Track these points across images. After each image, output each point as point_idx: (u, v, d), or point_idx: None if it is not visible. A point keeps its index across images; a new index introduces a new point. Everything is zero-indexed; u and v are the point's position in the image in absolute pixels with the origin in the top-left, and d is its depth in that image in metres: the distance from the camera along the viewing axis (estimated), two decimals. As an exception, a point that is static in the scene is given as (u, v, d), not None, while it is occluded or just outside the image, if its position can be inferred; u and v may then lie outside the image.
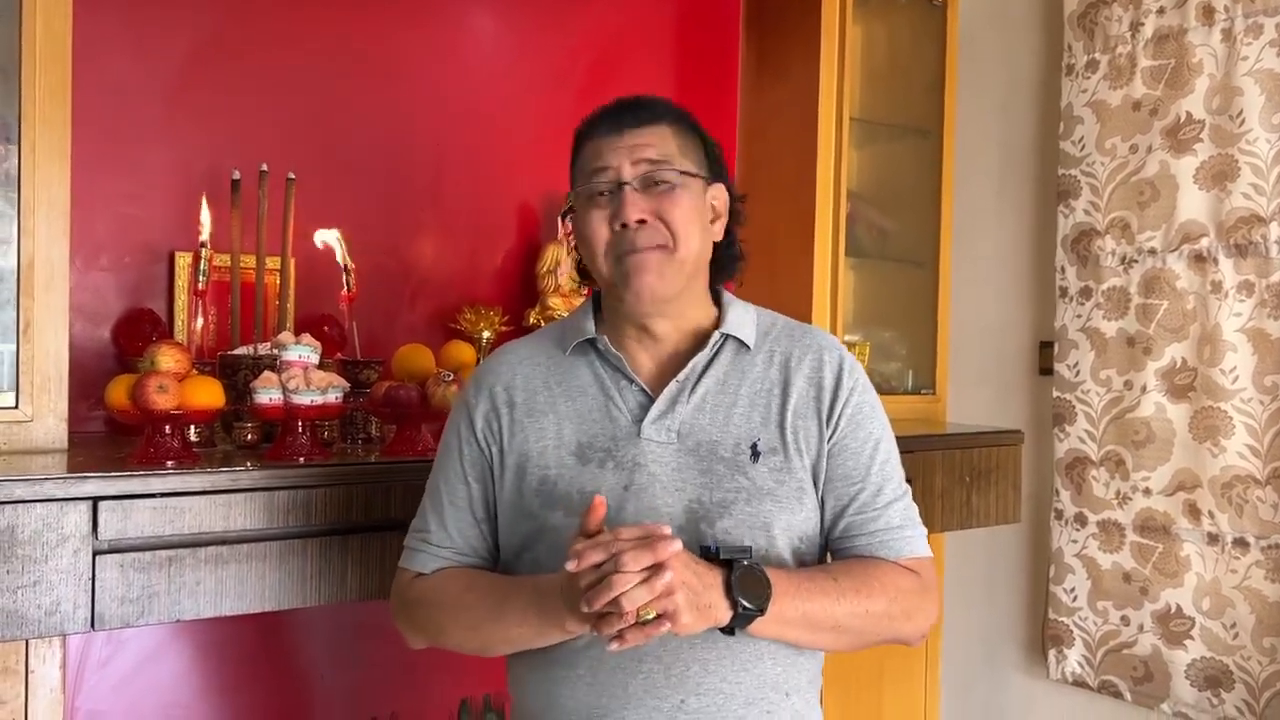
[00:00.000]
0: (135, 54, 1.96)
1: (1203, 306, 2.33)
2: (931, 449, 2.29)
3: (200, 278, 1.72)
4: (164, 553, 1.47)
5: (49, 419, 1.63)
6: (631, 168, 1.22)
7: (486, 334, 2.17)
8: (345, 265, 1.85)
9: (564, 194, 2.37)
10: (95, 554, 1.42)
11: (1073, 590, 2.58)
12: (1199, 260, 2.34)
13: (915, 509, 1.30)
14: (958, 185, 2.77)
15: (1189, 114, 2.35)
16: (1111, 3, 2.50)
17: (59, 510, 1.39)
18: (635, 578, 1.02)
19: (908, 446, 2.22)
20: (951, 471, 2.31)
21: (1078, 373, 2.57)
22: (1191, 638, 2.35)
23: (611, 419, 1.25)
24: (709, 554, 1.12)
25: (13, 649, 1.62)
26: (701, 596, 1.07)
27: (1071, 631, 2.58)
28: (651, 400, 1.25)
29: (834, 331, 2.53)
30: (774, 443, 1.24)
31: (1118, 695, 2.50)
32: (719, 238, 1.31)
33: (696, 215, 1.25)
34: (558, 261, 2.31)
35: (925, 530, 1.29)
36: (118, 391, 1.53)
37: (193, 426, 1.67)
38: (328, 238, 1.81)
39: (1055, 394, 2.61)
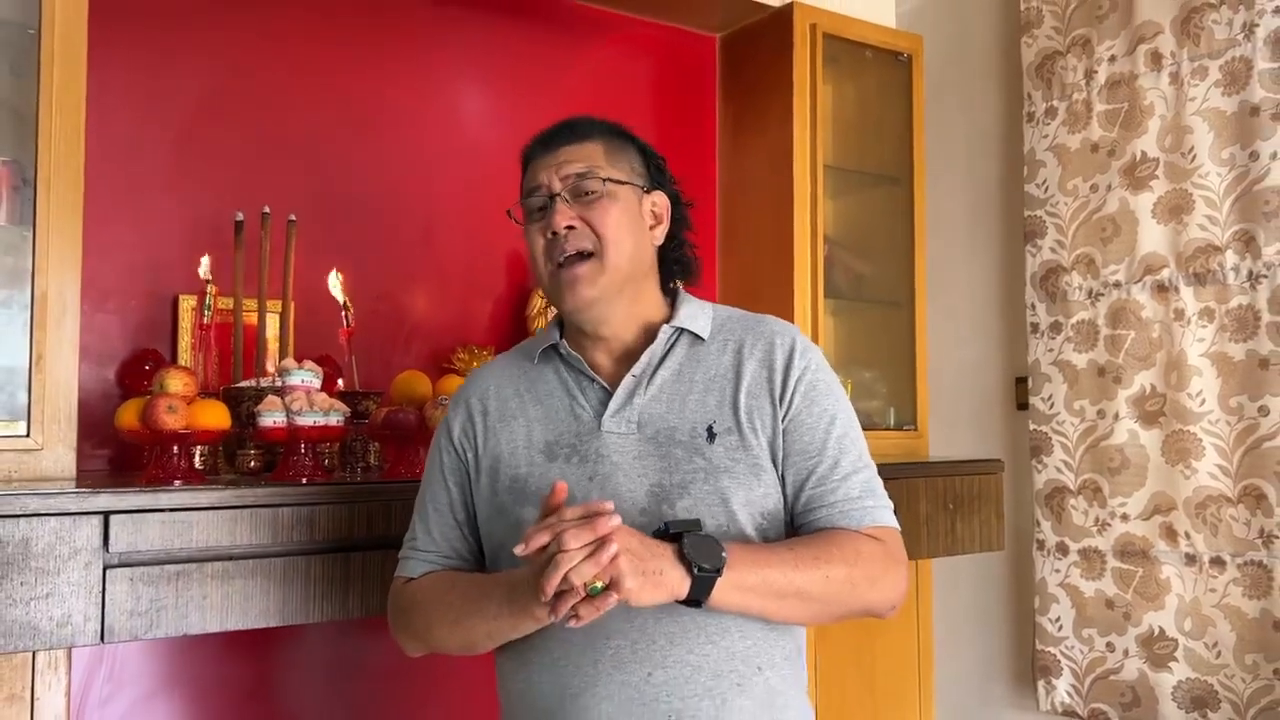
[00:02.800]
0: (143, 108, 2.06)
1: (1167, 334, 2.43)
2: (914, 477, 2.36)
3: (205, 312, 1.79)
4: (172, 567, 1.51)
5: (59, 448, 1.68)
6: (560, 181, 1.30)
7: (479, 373, 2.24)
8: (344, 302, 1.93)
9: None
10: (106, 567, 1.47)
11: (1058, 620, 2.62)
12: (1161, 290, 2.44)
13: (880, 484, 1.32)
14: (929, 228, 2.89)
15: (1144, 153, 2.47)
16: (1066, 53, 2.65)
17: (72, 524, 1.45)
18: (579, 554, 1.06)
19: (890, 474, 2.29)
20: (934, 499, 2.38)
21: (1052, 405, 2.65)
22: (1176, 659, 2.39)
23: (576, 417, 1.32)
24: (662, 533, 1.15)
25: (20, 675, 1.65)
26: (648, 563, 1.09)
27: (1059, 661, 2.61)
28: (610, 395, 1.31)
29: (815, 370, 2.61)
30: (729, 423, 1.28)
31: (1108, 722, 2.53)
32: (659, 242, 1.37)
33: (627, 221, 1.31)
34: (547, 305, 2.40)
35: (891, 505, 1.31)
36: (128, 414, 1.60)
37: (198, 453, 1.73)
38: (332, 279, 1.89)
39: (1032, 426, 2.69)
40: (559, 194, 1.30)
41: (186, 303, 2.03)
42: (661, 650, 1.20)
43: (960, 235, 2.96)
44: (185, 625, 1.52)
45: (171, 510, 1.50)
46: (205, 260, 1.82)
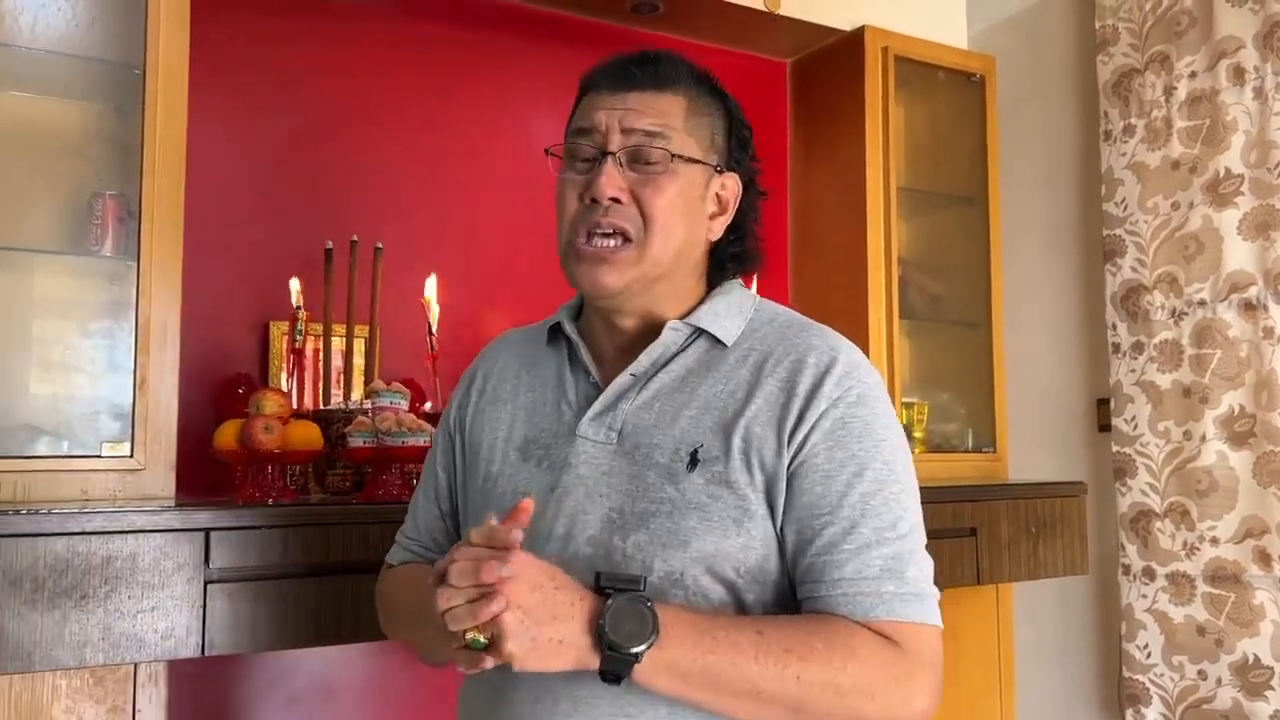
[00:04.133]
0: (232, 143, 2.14)
1: (1256, 353, 2.37)
2: (995, 499, 2.33)
3: (297, 337, 1.86)
4: (268, 583, 1.56)
5: (160, 468, 1.75)
6: (621, 136, 1.06)
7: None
8: (430, 326, 1.98)
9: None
10: (206, 582, 1.52)
11: (1146, 646, 2.56)
12: (1249, 308, 2.39)
13: (918, 564, 1.02)
14: (1005, 249, 2.86)
15: (1228, 169, 2.43)
16: (1144, 70, 2.62)
17: (175, 540, 1.50)
18: (459, 594, 0.89)
19: (970, 496, 2.29)
20: (1016, 522, 2.35)
21: (1135, 426, 2.60)
22: (1272, 688, 2.31)
23: (559, 413, 1.12)
24: (598, 582, 0.94)
25: (122, 689, 1.71)
26: (544, 628, 0.89)
27: (1148, 689, 2.55)
28: (600, 394, 1.10)
29: (892, 393, 2.60)
30: (716, 451, 1.03)
31: (1201, 753, 2.45)
32: (716, 236, 1.13)
33: (683, 205, 1.07)
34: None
35: (930, 594, 1.02)
36: (226, 435, 1.66)
37: (288, 473, 1.78)
38: (429, 291, 1.94)
39: (1115, 448, 2.64)
40: (614, 153, 1.06)
41: (276, 328, 2.10)
42: (564, 715, 0.99)
43: (1037, 255, 2.93)
44: (281, 639, 1.57)
45: (268, 527, 1.55)
46: (295, 286, 1.88)
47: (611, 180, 1.05)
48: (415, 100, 2.35)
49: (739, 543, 1.01)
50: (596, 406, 1.09)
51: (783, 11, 2.57)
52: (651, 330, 1.11)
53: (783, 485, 1.01)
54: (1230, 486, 2.41)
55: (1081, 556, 2.48)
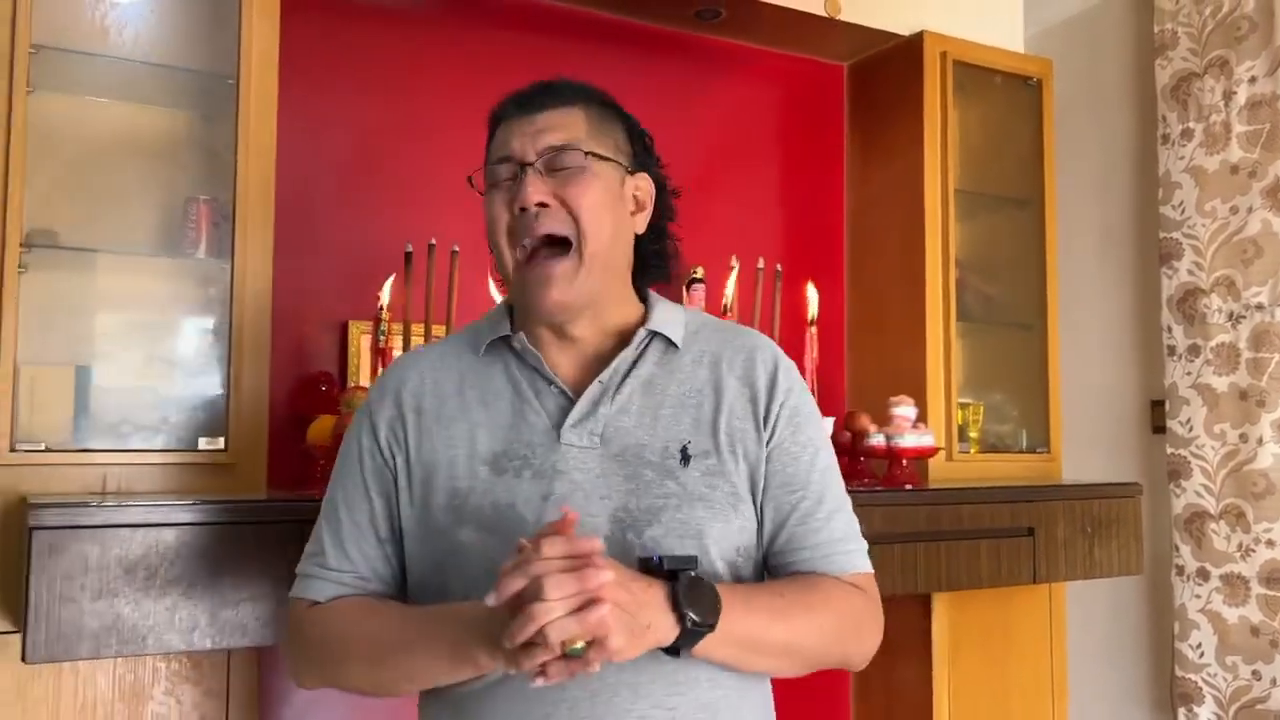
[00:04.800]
0: (311, 148, 2.20)
1: (1315, 357, 2.39)
2: (1052, 500, 2.36)
3: (381, 336, 1.93)
4: (360, 574, 1.63)
5: (252, 461, 1.84)
6: (536, 152, 1.13)
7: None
8: (503, 326, 2.04)
9: (685, 267, 2.56)
10: (303, 571, 1.59)
11: (1199, 646, 2.58)
12: (1308, 313, 2.41)
13: (856, 521, 1.20)
14: (1060, 251, 2.89)
15: (1287, 174, 2.45)
16: (1203, 75, 2.64)
17: (275, 531, 1.58)
18: (560, 606, 0.91)
19: (1028, 497, 2.33)
20: (1072, 522, 2.38)
21: (1191, 428, 2.62)
22: (1327, 689, 2.34)
23: (529, 424, 1.14)
24: (649, 565, 1.02)
25: (218, 672, 1.80)
26: (639, 617, 0.95)
27: (1200, 689, 2.57)
28: (572, 403, 1.14)
29: (947, 394, 2.64)
30: (706, 446, 1.14)
31: (1254, 752, 2.48)
32: (640, 229, 1.20)
33: (609, 202, 1.14)
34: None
35: (866, 545, 1.20)
36: (321, 430, 1.73)
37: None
38: (497, 296, 2.01)
39: (1169, 450, 2.66)
40: (532, 165, 1.12)
41: (355, 327, 2.17)
42: (625, 703, 1.05)
43: (1092, 258, 2.96)
44: (371, 628, 1.64)
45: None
46: (388, 287, 1.95)
47: (536, 187, 1.12)
48: (485, 103, 2.42)
49: (737, 525, 1.13)
50: (576, 414, 1.13)
51: (842, 16, 2.61)
52: (600, 335, 1.18)
53: (763, 469, 1.16)
54: (1287, 489, 2.43)
55: (1136, 557, 2.51)
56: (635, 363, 1.17)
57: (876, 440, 2.28)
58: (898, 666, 2.59)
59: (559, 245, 1.12)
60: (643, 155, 1.22)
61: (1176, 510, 2.64)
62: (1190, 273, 2.64)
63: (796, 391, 1.19)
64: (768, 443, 1.16)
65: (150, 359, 1.85)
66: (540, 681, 0.94)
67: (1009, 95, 2.88)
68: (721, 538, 1.11)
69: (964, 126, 2.78)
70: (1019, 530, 2.29)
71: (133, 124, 1.91)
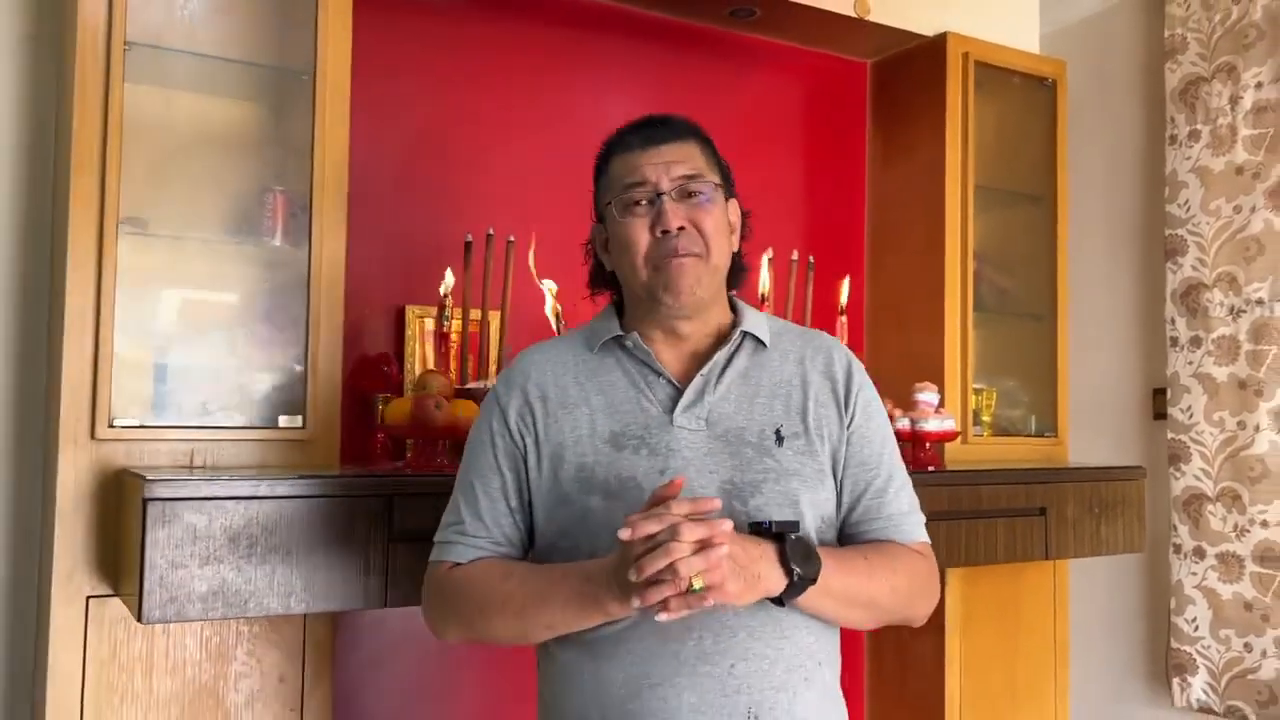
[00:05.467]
0: (373, 140, 2.31)
1: (1311, 351, 2.54)
2: (1063, 482, 2.51)
3: (445, 322, 2.04)
4: (439, 544, 1.75)
5: (328, 438, 1.95)
6: (669, 180, 1.31)
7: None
8: (557, 313, 2.15)
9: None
10: (389, 542, 1.71)
11: (1194, 620, 2.74)
12: (1305, 308, 2.56)
13: (916, 499, 1.40)
14: (1071, 246, 3.02)
15: (1289, 177, 2.59)
16: (1211, 79, 2.77)
17: (364, 505, 1.69)
18: (689, 548, 1.09)
19: (1041, 479, 2.47)
20: (1081, 503, 2.53)
21: (1191, 415, 2.77)
22: (1315, 661, 2.51)
23: (643, 409, 1.32)
24: (760, 529, 1.21)
25: (294, 636, 1.91)
26: (749, 568, 1.15)
27: (1195, 660, 2.74)
28: (680, 392, 1.32)
29: (964, 380, 2.78)
30: (796, 428, 1.32)
31: (1244, 719, 2.64)
32: (735, 248, 1.40)
33: (724, 226, 1.35)
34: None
35: (924, 518, 1.40)
36: (397, 410, 1.84)
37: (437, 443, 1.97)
38: (547, 287, 2.12)
39: (1170, 435, 2.81)
40: (666, 192, 1.31)
41: (412, 311, 2.28)
42: (742, 644, 1.23)
43: (1100, 252, 3.10)
44: (448, 595, 1.76)
45: (443, 495, 1.74)
46: (449, 276, 2.05)
47: (675, 214, 1.31)
48: (535, 99, 2.52)
49: (823, 496, 1.33)
50: (685, 400, 1.32)
51: (870, 17, 2.72)
52: (702, 334, 1.37)
53: (843, 450, 1.35)
54: (1281, 474, 2.59)
55: (1139, 535, 2.66)
56: (731, 358, 1.36)
57: (902, 424, 2.40)
58: (912, 636, 2.74)
59: (692, 255, 1.31)
60: (730, 186, 1.40)
61: (1176, 492, 2.79)
62: (1194, 268, 2.78)
63: (867, 385, 1.40)
64: (847, 427, 1.35)
65: (231, 341, 1.95)
66: (664, 616, 1.11)
67: (1025, 94, 3.01)
68: (811, 507, 1.30)
69: (980, 123, 2.90)
70: (1032, 510, 2.44)
71: (213, 117, 2.00)
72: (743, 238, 1.43)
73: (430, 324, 2.26)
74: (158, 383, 1.88)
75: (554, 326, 2.20)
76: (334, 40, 1.97)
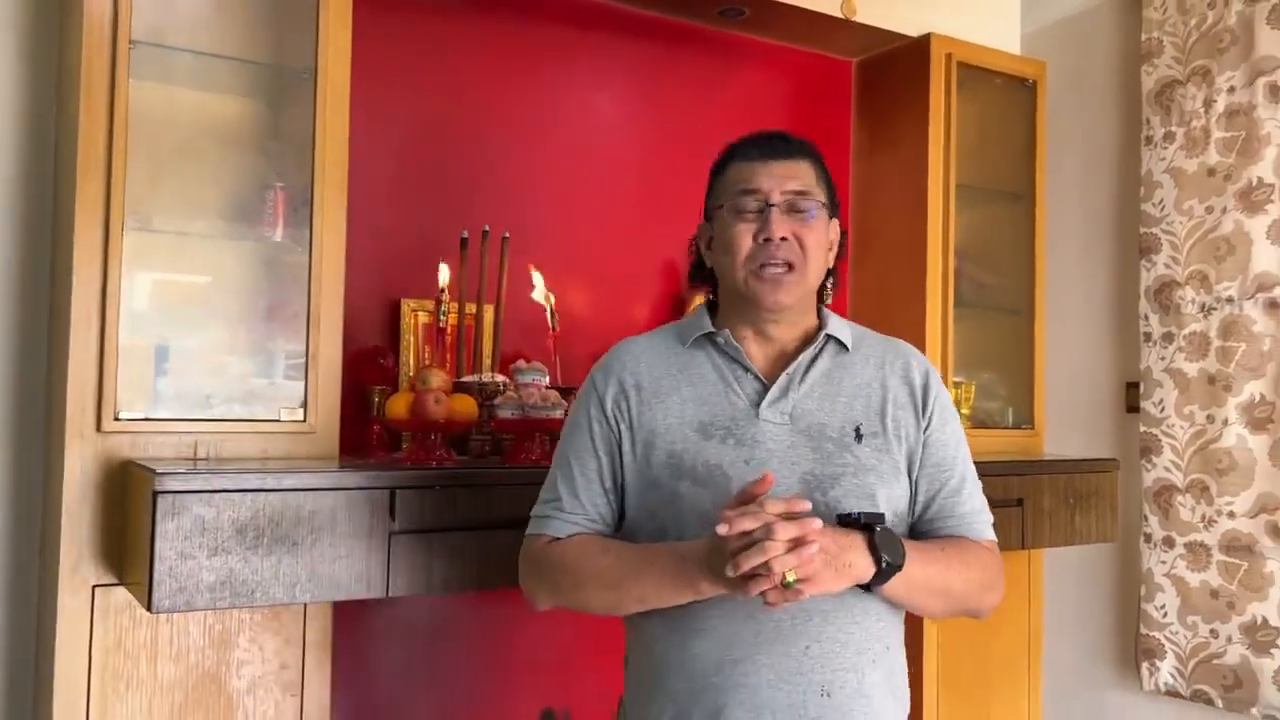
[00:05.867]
0: (367, 137, 2.33)
1: (1278, 347, 2.62)
2: (1039, 473, 2.59)
3: (441, 317, 2.08)
4: (438, 535, 1.81)
5: (327, 431, 1.99)
6: (780, 193, 1.40)
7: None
8: (550, 308, 2.20)
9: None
10: (390, 534, 1.76)
11: (1163, 607, 2.83)
12: (1273, 306, 2.64)
13: (985, 500, 1.49)
14: (1049, 243, 3.10)
15: (1260, 179, 2.67)
16: (1186, 82, 2.84)
17: (367, 497, 1.74)
18: (783, 546, 1.18)
19: (1018, 470, 2.55)
20: (1056, 493, 2.61)
21: (1163, 409, 2.86)
22: (1277, 646, 2.60)
23: (730, 402, 1.41)
24: (848, 520, 1.29)
25: (295, 622, 1.96)
26: (839, 558, 1.23)
27: (1163, 645, 2.83)
28: (766, 387, 1.41)
29: (943, 373, 2.85)
30: (875, 428, 1.41)
31: (1209, 703, 2.74)
32: (830, 265, 1.50)
33: (823, 242, 1.44)
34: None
35: (993, 518, 1.49)
36: (397, 405, 1.88)
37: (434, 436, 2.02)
38: (538, 282, 2.16)
39: (1142, 428, 2.90)
40: (776, 205, 1.40)
41: (407, 305, 2.32)
42: (817, 626, 1.33)
43: (1077, 249, 3.18)
44: (448, 585, 1.81)
45: (443, 487, 1.79)
46: (444, 271, 2.09)
47: (781, 225, 1.40)
48: (530, 96, 2.56)
49: (897, 492, 1.41)
50: (771, 395, 1.41)
51: (856, 18, 2.77)
52: (789, 336, 1.47)
53: (919, 451, 1.43)
54: (1248, 466, 2.68)
55: (1112, 525, 2.75)
56: (815, 358, 1.45)
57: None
58: (891, 623, 2.81)
59: (789, 267, 1.41)
60: (836, 205, 1.49)
61: (1147, 483, 2.88)
62: (1167, 266, 2.87)
63: (943, 393, 1.49)
64: (924, 430, 1.44)
65: (233, 334, 1.99)
66: (768, 608, 1.23)
67: (1006, 94, 3.07)
68: (888, 500, 1.39)
69: (963, 123, 2.97)
70: (1010, 501, 2.52)
71: (215, 114, 2.03)
72: (839, 256, 1.52)
73: (425, 317, 2.30)
74: (161, 376, 1.91)
75: (547, 314, 2.25)
76: (334, 39, 2.00)
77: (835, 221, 1.49)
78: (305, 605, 1.95)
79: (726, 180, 1.46)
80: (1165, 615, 2.83)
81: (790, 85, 3.02)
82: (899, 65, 2.96)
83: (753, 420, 1.40)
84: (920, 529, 1.45)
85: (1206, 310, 2.78)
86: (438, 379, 1.87)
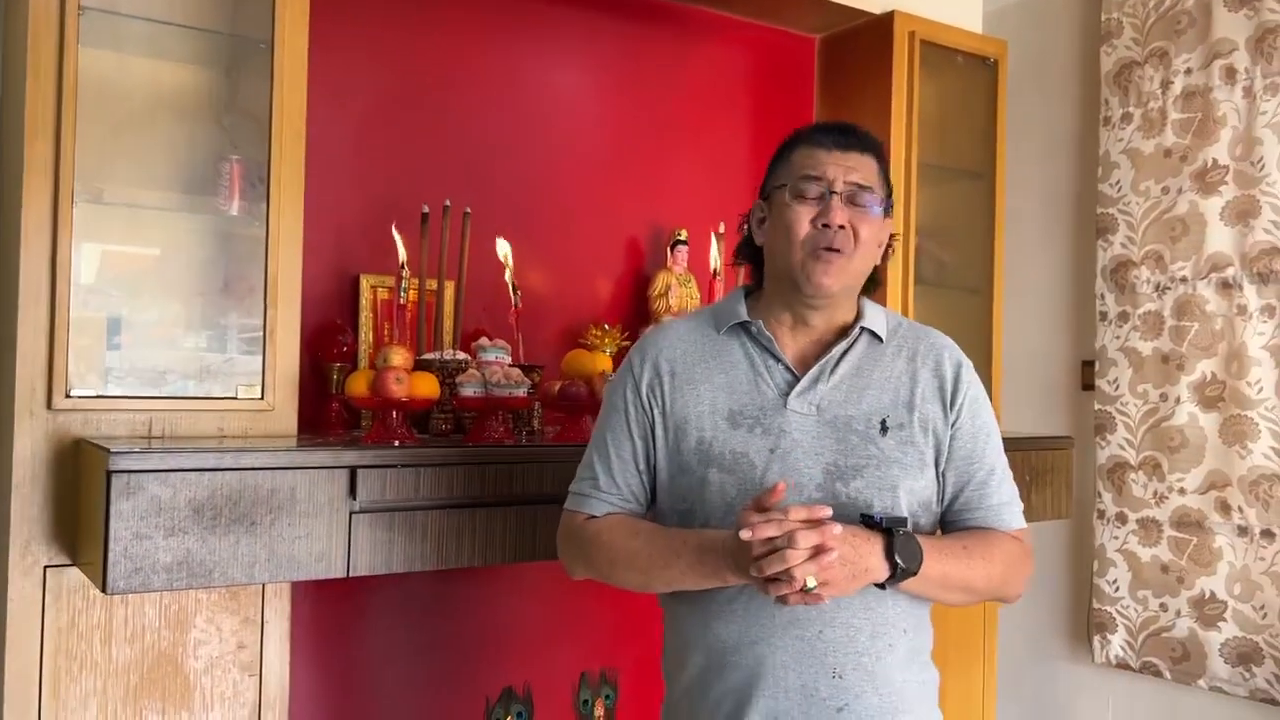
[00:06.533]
0: (325, 109, 2.29)
1: (1229, 327, 2.67)
2: (996, 450, 2.61)
3: (402, 294, 2.05)
4: (400, 514, 1.79)
5: (285, 409, 1.96)
6: (844, 183, 1.42)
7: (610, 349, 2.48)
8: (513, 285, 2.18)
9: (667, 230, 2.72)
10: (351, 513, 1.74)
11: (1114, 582, 2.89)
12: (1226, 287, 2.69)
13: (1016, 489, 1.51)
14: (1007, 222, 3.13)
15: (1215, 160, 2.70)
16: (1144, 64, 2.87)
17: (327, 476, 1.72)
18: (804, 554, 1.22)
19: (977, 447, 2.56)
20: (1015, 471, 2.62)
21: (1117, 387, 2.90)
22: (1225, 620, 2.66)
23: (760, 391, 1.44)
24: (871, 522, 1.32)
25: (253, 602, 1.94)
26: (857, 564, 1.27)
27: (1115, 619, 2.89)
28: (796, 378, 1.44)
29: (902, 350, 2.86)
30: (901, 420, 1.42)
31: (1158, 674, 2.80)
32: (878, 261, 1.51)
33: (876, 237, 1.46)
34: (668, 286, 2.65)
35: (1023, 506, 1.52)
36: (357, 383, 1.86)
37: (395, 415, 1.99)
38: (504, 250, 2.14)
39: (1097, 406, 2.95)
40: (838, 193, 1.41)
41: (366, 281, 2.28)
42: (830, 612, 1.37)
43: (1035, 229, 3.21)
44: (409, 563, 1.80)
45: (403, 466, 1.77)
46: (401, 248, 2.06)
47: (841, 213, 1.41)
48: (490, 70, 2.52)
49: (923, 483, 1.43)
50: (800, 387, 1.43)
51: (819, -7, 2.77)
52: (826, 326, 1.49)
53: (946, 444, 1.45)
54: (1199, 444, 2.73)
55: (1067, 502, 2.79)
56: (848, 350, 1.46)
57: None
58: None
59: (840, 252, 1.43)
60: (891, 205, 1.51)
61: (1100, 461, 2.93)
62: (1123, 246, 2.90)
63: (975, 385, 1.49)
64: (952, 424, 1.45)
65: (189, 311, 1.95)
66: (780, 604, 1.27)
67: (967, 73, 3.08)
68: (910, 492, 1.41)
69: (924, 101, 2.97)
70: (968, 478, 2.53)
71: (168, 83, 1.97)
72: (885, 256, 1.53)
73: (385, 294, 2.27)
74: (114, 352, 1.87)
75: (513, 299, 2.23)
76: (291, 8, 1.95)
77: (889, 221, 1.51)
78: (263, 586, 1.93)
79: (792, 163, 1.47)
80: (1117, 590, 2.89)
81: (753, 61, 3.00)
82: (862, 42, 2.96)
83: (780, 410, 1.43)
84: (949, 520, 1.48)
85: (1161, 290, 2.82)
86: (399, 357, 1.85)
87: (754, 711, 1.38)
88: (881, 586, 1.32)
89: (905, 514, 1.38)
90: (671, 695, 1.51)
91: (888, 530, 1.31)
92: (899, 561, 1.29)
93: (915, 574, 1.31)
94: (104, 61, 1.85)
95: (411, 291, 2.09)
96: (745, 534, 1.24)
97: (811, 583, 1.23)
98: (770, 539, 1.24)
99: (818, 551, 1.23)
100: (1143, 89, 2.87)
